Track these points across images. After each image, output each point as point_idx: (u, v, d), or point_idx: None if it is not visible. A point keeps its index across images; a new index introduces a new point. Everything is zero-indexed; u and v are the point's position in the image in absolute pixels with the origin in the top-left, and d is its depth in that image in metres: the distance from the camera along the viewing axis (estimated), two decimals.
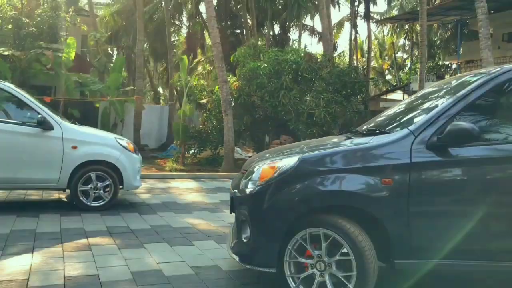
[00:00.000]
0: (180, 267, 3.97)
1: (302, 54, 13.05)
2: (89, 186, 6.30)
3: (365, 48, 37.68)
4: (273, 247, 3.11)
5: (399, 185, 3.01)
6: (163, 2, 20.92)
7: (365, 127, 3.94)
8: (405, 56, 45.66)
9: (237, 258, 3.33)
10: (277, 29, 29.45)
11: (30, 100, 6.16)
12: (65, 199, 7.12)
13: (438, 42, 36.54)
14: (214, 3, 30.64)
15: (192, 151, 14.72)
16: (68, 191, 6.43)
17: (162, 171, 11.96)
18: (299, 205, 3.08)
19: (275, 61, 12.66)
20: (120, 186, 6.54)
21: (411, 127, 3.13)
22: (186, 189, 9.21)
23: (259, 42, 25.39)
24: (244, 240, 3.30)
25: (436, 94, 3.57)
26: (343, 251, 2.98)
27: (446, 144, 3.02)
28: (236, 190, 3.58)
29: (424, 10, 17.42)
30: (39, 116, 5.98)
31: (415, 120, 3.23)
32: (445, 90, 3.53)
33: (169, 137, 19.01)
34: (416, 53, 33.98)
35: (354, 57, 43.42)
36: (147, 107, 19.62)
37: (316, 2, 15.99)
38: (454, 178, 3.11)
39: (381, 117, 3.99)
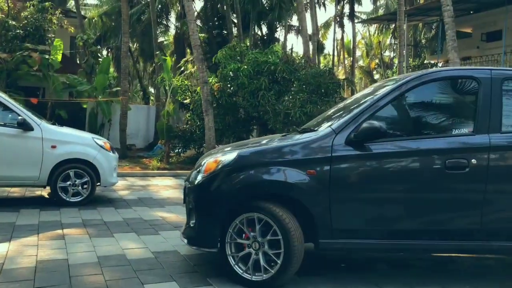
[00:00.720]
0: (142, 252, 4.44)
1: (280, 56, 13.54)
2: (68, 183, 6.75)
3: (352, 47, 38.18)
4: (214, 231, 3.59)
5: (321, 175, 3.50)
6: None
7: (305, 126, 4.42)
8: (392, 54, 46.28)
9: (185, 241, 3.81)
10: (265, 29, 29.94)
11: (11, 103, 6.59)
12: (46, 196, 7.55)
13: (423, 42, 37.15)
14: (202, 4, 31.12)
15: (177, 150, 15.15)
16: (48, 188, 6.86)
17: (145, 170, 12.41)
18: (236, 193, 3.56)
19: (254, 63, 13.13)
20: (98, 183, 6.99)
21: (333, 126, 3.63)
22: (164, 186, 9.67)
23: (247, 43, 25.89)
24: (191, 225, 3.79)
25: (362, 97, 4.06)
26: (273, 232, 3.46)
27: (361, 140, 3.52)
28: (187, 182, 4.06)
29: (402, 11, 17.99)
30: (20, 117, 6.42)
31: (339, 120, 3.72)
32: (369, 94, 4.03)
33: (156, 137, 19.43)
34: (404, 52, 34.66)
35: (341, 57, 44.05)
36: (133, 107, 20.02)
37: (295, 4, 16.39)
38: (368, 169, 3.60)
39: (319, 117, 4.48)
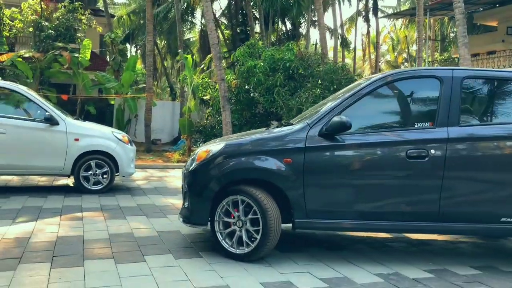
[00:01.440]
0: (148, 231, 5.05)
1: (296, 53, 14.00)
2: (90, 172, 7.45)
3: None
4: (205, 211, 4.14)
5: (296, 163, 4.01)
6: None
7: (291, 121, 4.93)
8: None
9: (181, 220, 4.39)
10: (288, 25, 30.32)
11: (39, 100, 7.33)
12: (71, 184, 8.29)
13: (451, 36, 36.76)
14: (227, 1, 31.68)
15: (198, 144, 15.83)
16: (72, 177, 7.58)
17: (167, 163, 13.12)
18: (223, 178, 4.10)
19: (271, 60, 13.63)
20: (117, 173, 7.67)
21: (308, 120, 4.14)
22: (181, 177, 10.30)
23: (271, 39, 26.36)
24: (186, 206, 4.37)
25: (339, 94, 4.55)
26: (253, 212, 3.99)
27: (332, 133, 4.01)
28: (184, 169, 4.64)
29: (421, 6, 18.12)
30: (47, 113, 7.14)
31: (314, 115, 4.22)
32: (344, 92, 4.51)
33: (180, 131, 20.21)
34: (429, 45, 34.41)
35: (367, 51, 43.89)
36: (159, 103, 20.85)
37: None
38: (337, 158, 4.10)
39: (304, 113, 4.98)
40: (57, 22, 19.55)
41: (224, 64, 17.10)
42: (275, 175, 4.03)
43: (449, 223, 4.05)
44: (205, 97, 15.53)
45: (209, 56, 30.82)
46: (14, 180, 8.59)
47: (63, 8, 19.79)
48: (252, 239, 4.03)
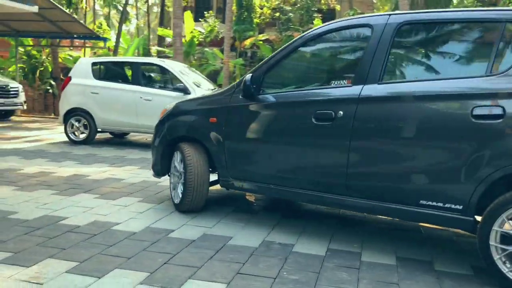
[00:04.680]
0: None
1: None
2: None
3: None
4: (160, 163, 4.61)
5: (220, 123, 4.06)
6: None
7: None
8: None
9: (151, 172, 4.94)
10: None
11: (177, 73, 8.82)
12: None
13: None
14: None
15: None
16: None
17: None
18: (168, 135, 4.48)
19: None
20: None
21: (237, 82, 4.07)
22: None
23: None
24: (152, 159, 4.90)
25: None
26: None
27: (252, 92, 3.85)
28: None
29: None
30: (181, 84, 8.58)
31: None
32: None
33: None
34: None
35: None
36: None
37: None
38: (250, 119, 3.91)
39: None
40: (298, 5, 21.41)
41: None
42: (200, 133, 4.19)
43: (358, 198, 3.39)
44: None
45: None
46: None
47: None
48: None
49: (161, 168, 4.66)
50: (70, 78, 9.07)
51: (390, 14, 3.44)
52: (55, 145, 8.78)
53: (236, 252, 3.37)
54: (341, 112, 3.38)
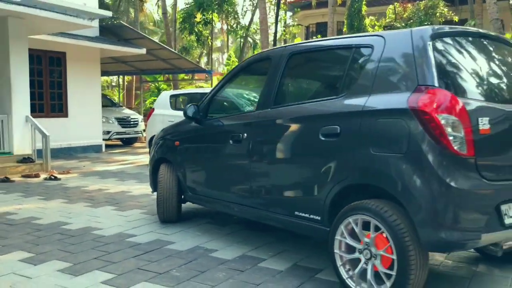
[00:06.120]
0: None
1: None
2: None
3: None
4: (152, 180, 5.41)
5: (181, 145, 4.82)
6: None
7: None
8: None
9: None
10: None
11: None
12: None
13: None
14: None
15: None
16: None
17: None
18: (156, 155, 5.27)
19: None
20: None
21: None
22: None
23: None
24: None
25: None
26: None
27: (199, 117, 4.55)
28: None
29: None
30: None
31: None
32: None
33: None
34: None
35: None
36: None
37: None
38: (194, 141, 4.63)
39: None
40: (411, 20, 20.95)
41: None
42: (169, 155, 4.99)
43: (264, 210, 3.83)
44: None
45: None
46: None
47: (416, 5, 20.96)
48: None
49: (154, 184, 5.52)
50: (153, 109, 10.58)
51: (286, 46, 3.88)
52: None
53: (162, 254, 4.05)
54: (245, 134, 3.91)
